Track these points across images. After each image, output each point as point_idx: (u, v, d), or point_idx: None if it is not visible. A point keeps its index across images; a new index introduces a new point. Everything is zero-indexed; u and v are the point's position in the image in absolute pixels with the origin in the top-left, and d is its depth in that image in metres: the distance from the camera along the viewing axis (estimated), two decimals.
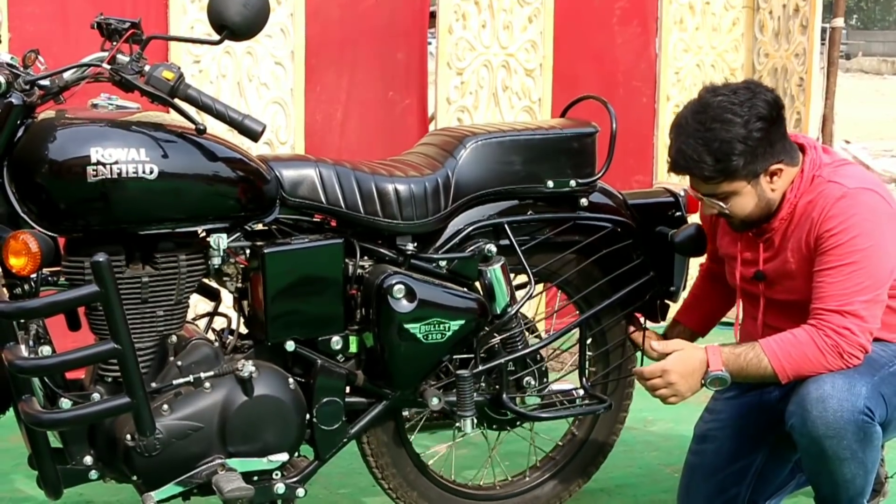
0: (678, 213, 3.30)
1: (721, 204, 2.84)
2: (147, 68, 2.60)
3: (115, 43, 2.66)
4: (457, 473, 3.33)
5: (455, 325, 2.89)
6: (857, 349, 2.77)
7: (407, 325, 2.84)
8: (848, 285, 2.76)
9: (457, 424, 3.02)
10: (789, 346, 2.78)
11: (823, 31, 5.88)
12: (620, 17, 5.37)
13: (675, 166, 2.84)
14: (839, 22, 5.93)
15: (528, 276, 3.08)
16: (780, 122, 2.82)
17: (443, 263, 2.98)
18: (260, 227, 2.83)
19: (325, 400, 2.86)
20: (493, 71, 5.01)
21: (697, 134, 2.77)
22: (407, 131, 4.67)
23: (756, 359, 2.80)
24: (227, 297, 2.95)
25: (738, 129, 2.75)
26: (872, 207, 2.79)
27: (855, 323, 2.76)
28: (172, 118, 2.73)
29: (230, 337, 2.89)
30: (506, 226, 3.05)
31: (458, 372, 2.98)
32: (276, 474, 2.82)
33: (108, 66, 2.62)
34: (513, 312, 3.04)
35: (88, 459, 2.69)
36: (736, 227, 2.94)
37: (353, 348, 2.90)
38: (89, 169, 2.54)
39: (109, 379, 2.69)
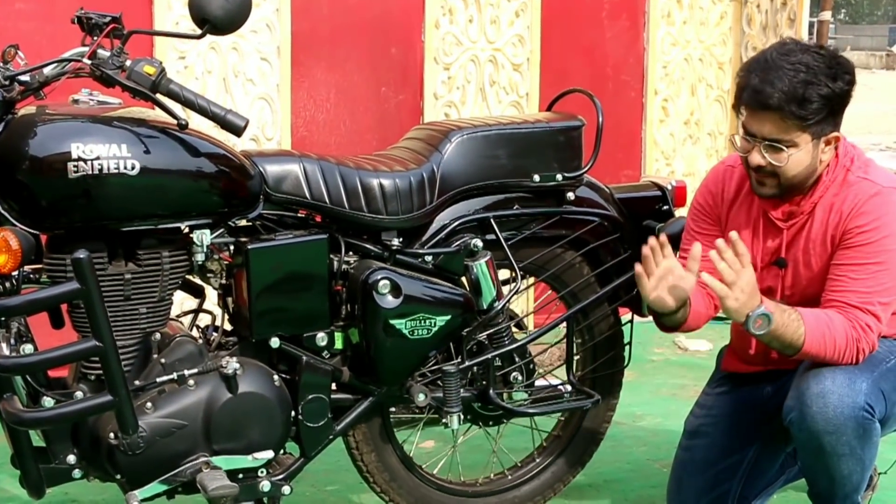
0: (665, 207, 3.29)
1: (773, 159, 2.73)
2: (128, 63, 2.58)
3: (95, 38, 2.63)
4: (448, 470, 3.31)
5: (441, 320, 2.87)
6: (869, 347, 2.76)
7: (392, 321, 2.82)
8: (871, 284, 2.74)
9: (443, 420, 3.00)
10: (825, 325, 2.73)
11: (811, 24, 5.89)
12: (610, 11, 5.37)
13: (755, 100, 2.70)
14: (826, 15, 5.94)
15: (515, 271, 3.06)
16: (852, 93, 2.79)
17: (428, 258, 2.96)
18: (244, 222, 2.81)
19: (310, 397, 2.84)
20: (480, 66, 5.00)
21: (786, 73, 2.68)
22: (400, 127, 4.64)
23: (796, 322, 2.71)
24: (211, 294, 2.93)
25: (826, 80, 2.70)
26: None
27: (873, 322, 2.75)
28: (155, 114, 2.71)
29: (214, 334, 2.87)
30: (492, 220, 3.03)
31: (445, 367, 2.96)
32: (262, 472, 2.80)
33: (89, 62, 2.60)
34: (499, 307, 3.02)
35: (72, 458, 2.67)
36: (765, 191, 2.81)
37: (338, 344, 2.88)
38: (70, 165, 2.52)
39: (92, 377, 2.67)
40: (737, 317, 2.68)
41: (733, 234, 2.71)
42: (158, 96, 2.59)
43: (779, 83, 2.68)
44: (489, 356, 3.04)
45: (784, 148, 2.73)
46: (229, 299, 2.86)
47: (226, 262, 2.79)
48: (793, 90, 2.68)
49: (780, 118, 2.70)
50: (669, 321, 2.90)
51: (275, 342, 2.80)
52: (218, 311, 2.91)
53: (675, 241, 3.17)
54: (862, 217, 2.77)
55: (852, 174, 2.82)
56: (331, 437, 2.91)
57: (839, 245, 2.80)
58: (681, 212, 3.32)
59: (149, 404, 2.67)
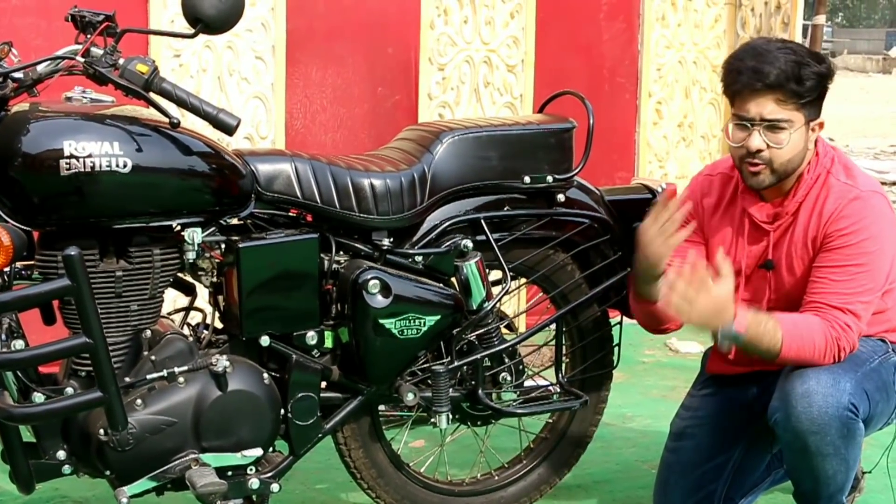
0: None
1: (772, 141, 2.78)
2: (121, 61, 2.60)
3: (89, 36, 2.65)
4: (435, 469, 3.32)
5: (430, 320, 2.89)
6: (849, 346, 2.79)
7: (382, 321, 2.84)
8: (852, 286, 2.78)
9: (432, 420, 3.02)
10: (802, 328, 2.77)
11: (805, 28, 5.90)
12: (607, 12, 5.38)
13: (756, 79, 2.78)
14: (821, 19, 5.96)
15: (504, 272, 3.07)
16: (832, 79, 2.90)
17: (419, 259, 2.97)
18: (235, 221, 2.82)
19: (300, 395, 2.86)
20: (474, 67, 5.01)
21: (778, 57, 2.79)
22: (396, 127, 4.63)
23: (773, 331, 2.75)
24: (202, 292, 2.94)
25: (814, 62, 2.81)
26: (882, 212, 2.83)
27: (854, 322, 2.78)
28: (148, 112, 2.72)
29: (205, 332, 2.88)
30: (482, 221, 3.04)
31: (434, 367, 2.97)
32: (251, 469, 2.81)
33: (82, 59, 2.62)
34: (489, 308, 3.03)
35: (62, 454, 2.68)
36: (761, 179, 2.83)
37: (328, 343, 2.89)
38: (62, 162, 2.53)
39: (83, 373, 2.68)
40: (703, 330, 2.76)
41: (719, 257, 2.75)
42: (151, 95, 2.61)
43: (776, 63, 2.78)
44: (478, 356, 3.05)
45: (783, 128, 2.78)
46: (220, 297, 2.87)
47: (217, 261, 2.80)
48: (789, 69, 2.78)
49: (780, 97, 2.78)
50: (647, 293, 2.92)
51: (265, 340, 2.82)
52: (209, 309, 2.92)
53: None
54: (842, 220, 2.81)
55: (833, 176, 2.86)
56: (320, 435, 2.92)
57: (820, 248, 2.83)
58: None
59: (139, 401, 2.68)
